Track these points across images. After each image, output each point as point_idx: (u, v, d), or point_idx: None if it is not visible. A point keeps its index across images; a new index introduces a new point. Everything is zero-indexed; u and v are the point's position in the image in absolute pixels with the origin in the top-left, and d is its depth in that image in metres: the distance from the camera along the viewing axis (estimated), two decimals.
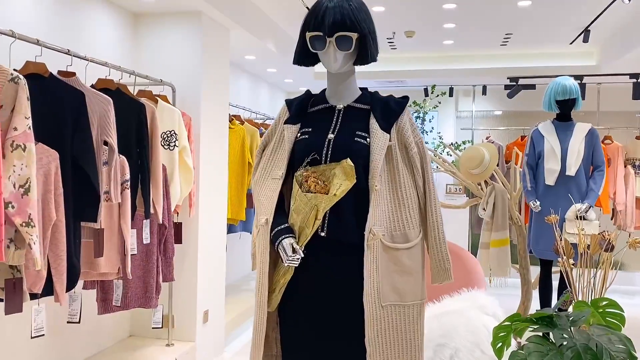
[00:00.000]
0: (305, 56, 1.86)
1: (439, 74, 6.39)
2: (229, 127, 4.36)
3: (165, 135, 3.33)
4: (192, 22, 3.74)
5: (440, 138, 6.88)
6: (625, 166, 6.05)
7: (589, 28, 4.91)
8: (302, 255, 1.71)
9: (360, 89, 1.93)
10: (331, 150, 1.77)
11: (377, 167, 1.73)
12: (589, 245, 3.57)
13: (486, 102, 7.14)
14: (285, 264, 1.70)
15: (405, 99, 1.90)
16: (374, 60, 1.83)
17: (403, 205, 1.79)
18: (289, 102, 1.93)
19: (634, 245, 3.34)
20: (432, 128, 6.94)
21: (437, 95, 6.85)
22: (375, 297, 1.69)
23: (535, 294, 4.53)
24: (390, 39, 5.70)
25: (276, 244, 1.74)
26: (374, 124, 1.79)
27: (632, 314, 5.21)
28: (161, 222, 3.13)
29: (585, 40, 4.91)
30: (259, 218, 1.80)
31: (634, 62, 5.42)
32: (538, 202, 3.90)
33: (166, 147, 3.33)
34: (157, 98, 3.36)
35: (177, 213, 3.54)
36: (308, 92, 1.95)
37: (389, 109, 1.83)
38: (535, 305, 4.40)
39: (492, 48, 6.05)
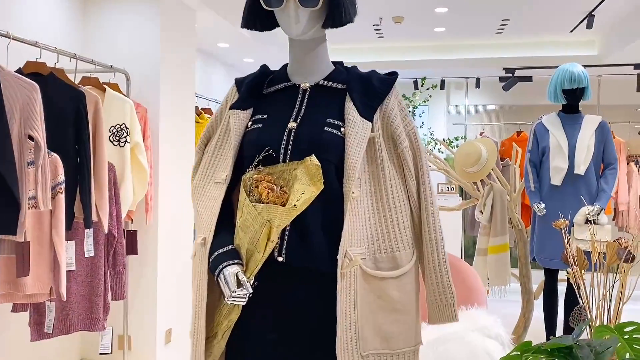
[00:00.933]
0: (256, 16, 1.39)
1: (430, 64, 5.96)
2: (197, 122, 3.89)
3: (114, 130, 2.86)
4: (150, 0, 3.27)
5: (431, 134, 6.45)
6: (627, 163, 5.67)
7: (593, 13, 4.50)
8: (251, 291, 1.25)
9: (334, 63, 1.48)
10: (292, 143, 1.32)
11: (355, 167, 1.29)
12: (603, 253, 3.14)
13: (480, 96, 6.72)
14: (228, 302, 1.24)
15: (393, 75, 1.45)
16: (350, 20, 1.37)
17: (390, 218, 1.34)
18: (238, 81, 1.47)
19: None
20: (423, 123, 6.51)
21: (428, 89, 6.41)
22: (353, 344, 1.25)
23: (537, 303, 4.11)
24: (377, 25, 5.25)
25: (215, 274, 1.28)
26: (350, 108, 1.34)
27: None
28: (107, 231, 2.66)
29: (589, 26, 4.50)
30: (197, 236, 1.34)
31: (637, 52, 5.03)
32: (543, 205, 3.47)
33: (115, 143, 2.86)
34: (105, 86, 2.89)
35: (131, 220, 3.07)
36: (264, 67, 1.49)
37: (370, 89, 1.38)
38: (537, 317, 3.98)
39: (486, 36, 5.63)
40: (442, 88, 6.52)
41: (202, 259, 1.30)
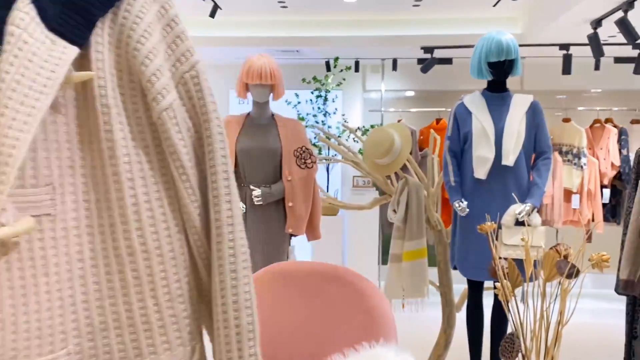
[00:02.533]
0: None
1: (342, 42, 5.28)
2: None
3: None
4: None
5: (344, 121, 5.79)
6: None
7: None
8: None
9: None
10: None
11: (17, 147, 0.54)
12: (535, 261, 2.54)
13: (397, 80, 6.14)
14: None
15: None
16: None
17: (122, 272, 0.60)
18: None
19: (601, 265, 2.34)
20: (336, 109, 5.84)
21: (341, 71, 5.74)
22: None
23: (460, 316, 3.54)
24: None
25: None
26: (22, 12, 0.60)
27: (611, 324, 4.42)
28: None
29: None
30: None
31: (563, 30, 4.58)
32: (465, 203, 2.86)
33: None
34: None
35: None
36: None
37: None
38: (459, 334, 3.39)
39: (402, 11, 5.01)
40: (356, 70, 5.88)
41: None
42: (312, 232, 3.03)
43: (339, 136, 5.68)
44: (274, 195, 2.81)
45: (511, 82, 5.12)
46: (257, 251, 2.83)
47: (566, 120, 5.29)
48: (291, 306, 2.13)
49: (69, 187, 0.60)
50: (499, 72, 2.78)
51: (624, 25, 3.51)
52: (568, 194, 5.31)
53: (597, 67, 5.52)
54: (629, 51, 4.94)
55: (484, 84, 2.95)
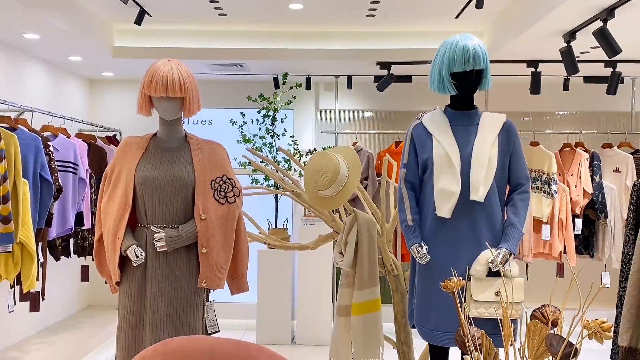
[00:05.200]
0: None
1: (291, 55, 4.72)
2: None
3: None
4: None
5: (295, 144, 5.22)
6: None
7: None
8: None
9: None
10: None
11: None
12: (513, 323, 1.96)
13: (353, 99, 5.62)
14: None
15: None
16: None
17: None
18: None
19: (601, 336, 1.80)
20: (285, 130, 5.26)
21: (291, 88, 5.19)
22: None
23: None
24: None
25: None
26: None
27: None
28: None
29: (479, 5, 3.49)
30: None
31: (532, 46, 4.15)
32: (425, 248, 2.27)
33: None
34: None
35: None
36: None
37: None
38: None
39: (355, 22, 4.50)
40: (307, 88, 5.34)
41: None
42: (236, 284, 2.40)
43: (286, 162, 5.09)
44: (182, 239, 2.18)
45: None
46: (161, 311, 2.19)
47: (534, 144, 4.86)
48: None
49: None
50: (464, 85, 2.23)
51: (603, 37, 3.06)
52: (538, 224, 4.85)
53: (565, 87, 5.15)
54: (600, 70, 4.57)
55: (447, 100, 2.41)
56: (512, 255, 2.20)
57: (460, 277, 1.89)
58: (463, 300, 2.15)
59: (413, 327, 2.48)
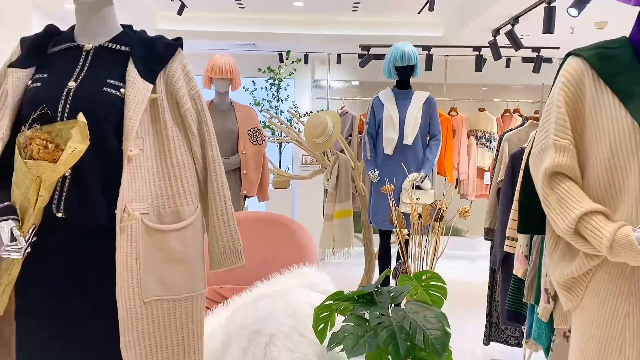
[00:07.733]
0: None
1: (293, 38, 6.12)
2: None
3: None
4: None
5: (295, 107, 6.65)
6: (468, 137, 6.26)
7: None
8: (25, 244, 1.30)
9: (123, 26, 1.53)
10: (70, 103, 1.37)
11: (133, 127, 1.37)
12: (420, 214, 3.50)
13: (342, 72, 7.02)
14: (2, 255, 1.28)
15: (178, 40, 1.54)
16: None
17: (174, 176, 1.45)
18: (22, 40, 1.48)
19: (464, 215, 3.29)
20: (288, 96, 6.68)
21: (293, 62, 6.58)
22: (135, 291, 1.35)
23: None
24: None
25: None
26: (132, 70, 1.42)
27: (473, 279, 5.51)
28: None
29: (431, 8, 4.88)
30: None
31: (477, 34, 5.54)
32: (377, 172, 3.79)
33: None
34: None
35: None
36: (51, 26, 1.51)
37: (154, 53, 1.46)
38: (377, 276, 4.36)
39: (343, 14, 5.88)
40: (306, 62, 6.72)
41: None
42: (262, 195, 3.89)
43: (289, 120, 6.54)
44: (231, 165, 3.64)
45: (436, 75, 6.11)
46: None
47: (481, 109, 6.30)
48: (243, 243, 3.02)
49: (149, 148, 1.41)
50: (403, 74, 3.71)
51: (511, 37, 4.46)
52: (481, 171, 6.34)
53: (507, 65, 6.56)
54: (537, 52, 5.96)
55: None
56: (427, 176, 3.71)
57: (393, 186, 3.39)
58: (397, 202, 3.66)
59: (370, 223, 4.00)
